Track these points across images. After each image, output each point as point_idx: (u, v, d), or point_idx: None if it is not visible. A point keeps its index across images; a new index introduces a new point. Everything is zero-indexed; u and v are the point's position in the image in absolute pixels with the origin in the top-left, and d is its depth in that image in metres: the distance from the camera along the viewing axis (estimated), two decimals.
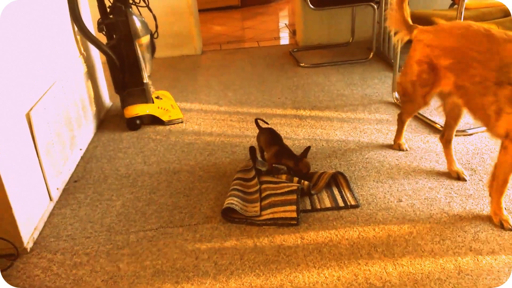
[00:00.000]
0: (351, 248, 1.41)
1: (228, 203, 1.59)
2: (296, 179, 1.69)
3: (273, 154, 1.76)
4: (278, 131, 1.88)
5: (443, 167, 1.81)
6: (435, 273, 1.29)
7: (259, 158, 1.90)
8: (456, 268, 1.31)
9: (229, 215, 1.58)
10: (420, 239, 1.43)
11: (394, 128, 2.14)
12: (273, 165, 1.79)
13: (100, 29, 2.30)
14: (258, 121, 1.95)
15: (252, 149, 1.88)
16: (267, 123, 2.00)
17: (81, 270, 1.40)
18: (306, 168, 1.72)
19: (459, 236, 1.43)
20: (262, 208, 1.60)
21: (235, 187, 1.70)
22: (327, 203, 1.62)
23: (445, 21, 2.04)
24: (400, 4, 1.75)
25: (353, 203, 1.61)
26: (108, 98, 2.69)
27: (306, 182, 1.66)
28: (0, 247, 1.46)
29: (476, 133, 2.06)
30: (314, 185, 1.71)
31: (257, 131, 1.92)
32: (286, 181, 1.70)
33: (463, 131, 2.07)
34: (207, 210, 1.64)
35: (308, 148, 1.76)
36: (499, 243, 1.39)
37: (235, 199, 1.62)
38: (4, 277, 1.37)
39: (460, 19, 1.89)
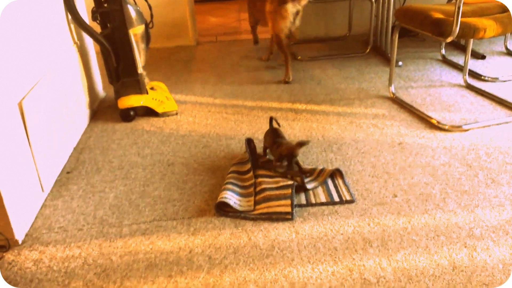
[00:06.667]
0: (346, 243, 1.40)
1: (222, 197, 1.57)
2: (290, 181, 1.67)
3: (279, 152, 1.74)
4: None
5: (438, 162, 1.81)
6: (430, 269, 1.29)
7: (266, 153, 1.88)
8: (451, 264, 1.30)
9: (223, 209, 1.57)
10: (415, 235, 1.42)
11: (390, 122, 2.14)
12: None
13: (94, 18, 2.26)
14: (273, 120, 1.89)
15: (248, 141, 1.86)
16: (279, 125, 2.01)
17: (73, 262, 1.39)
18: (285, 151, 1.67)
19: (453, 232, 1.43)
20: (257, 203, 1.59)
21: (230, 180, 1.68)
22: (322, 198, 1.61)
23: (443, 15, 2.03)
24: None
25: (348, 198, 1.61)
26: (101, 88, 2.66)
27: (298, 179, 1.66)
28: None
29: (472, 129, 2.06)
30: (312, 181, 1.70)
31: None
32: (281, 175, 1.69)
33: (459, 126, 2.07)
34: (201, 203, 1.63)
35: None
36: (493, 240, 1.39)
37: (229, 193, 1.61)
38: None
39: (458, 14, 1.87)
